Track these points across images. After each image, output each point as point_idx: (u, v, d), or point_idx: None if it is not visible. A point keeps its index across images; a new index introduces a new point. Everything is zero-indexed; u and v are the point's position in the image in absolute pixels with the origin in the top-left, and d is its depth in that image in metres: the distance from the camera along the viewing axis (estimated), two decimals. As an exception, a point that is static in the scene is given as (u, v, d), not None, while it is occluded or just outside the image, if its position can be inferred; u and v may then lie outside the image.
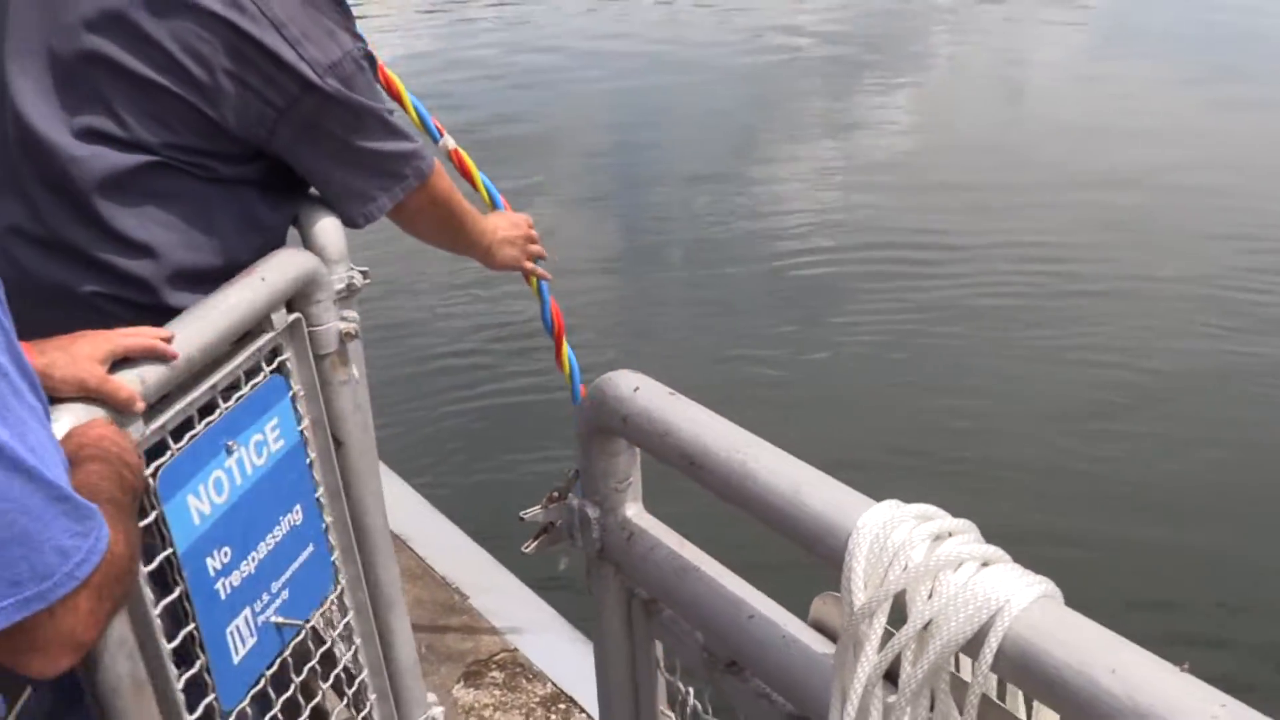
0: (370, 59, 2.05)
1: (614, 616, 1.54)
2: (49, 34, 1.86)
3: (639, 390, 1.38)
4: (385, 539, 2.31)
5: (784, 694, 1.28)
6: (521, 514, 1.52)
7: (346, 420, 2.14)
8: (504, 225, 2.56)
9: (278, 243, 2.09)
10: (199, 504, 1.74)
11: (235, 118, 1.89)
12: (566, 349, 2.82)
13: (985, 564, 1.03)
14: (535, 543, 1.54)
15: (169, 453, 1.67)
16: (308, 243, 2.15)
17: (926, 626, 1.01)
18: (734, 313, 7.67)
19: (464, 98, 14.23)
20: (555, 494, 1.52)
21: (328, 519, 2.13)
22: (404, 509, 4.04)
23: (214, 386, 1.78)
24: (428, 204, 2.20)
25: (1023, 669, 0.96)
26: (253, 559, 1.88)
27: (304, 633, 2.04)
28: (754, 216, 9.91)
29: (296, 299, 1.99)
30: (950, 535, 1.06)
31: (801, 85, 15.00)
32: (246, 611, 1.87)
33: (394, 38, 18.41)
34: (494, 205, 2.74)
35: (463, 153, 2.74)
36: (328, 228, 2.16)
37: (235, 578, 1.83)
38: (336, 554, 2.16)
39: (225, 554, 1.80)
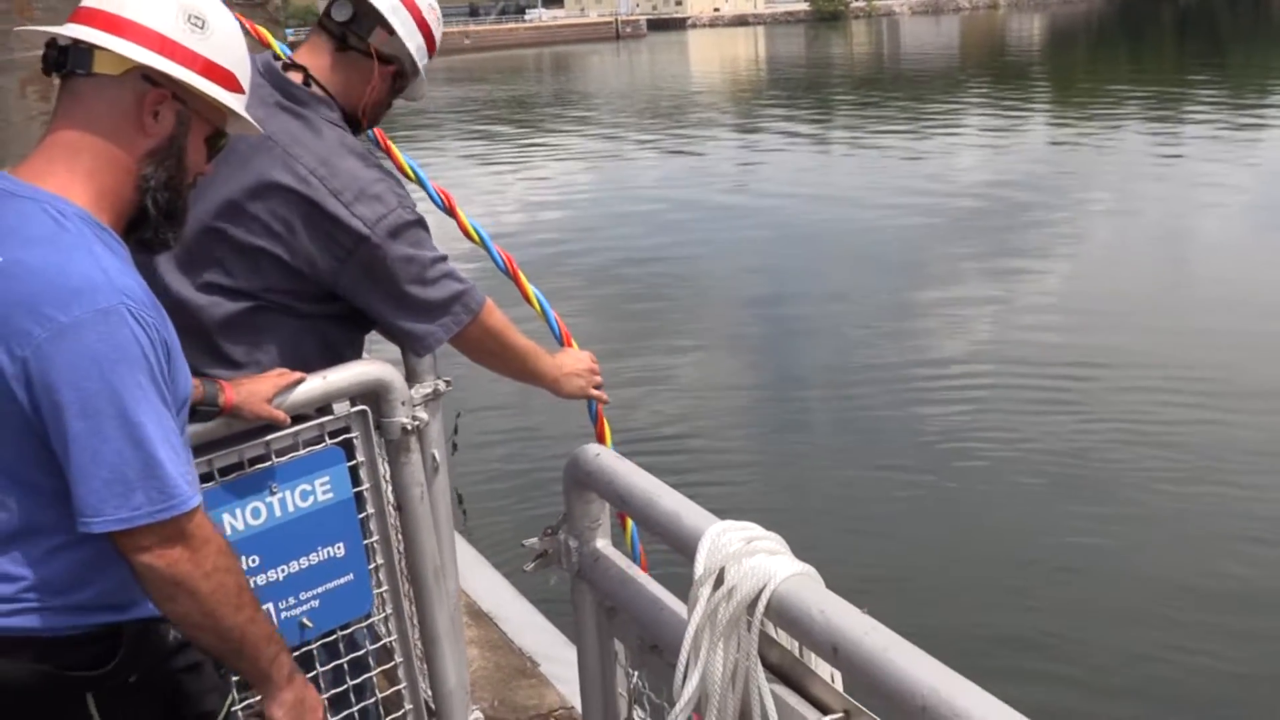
0: (418, 217, 2.74)
1: (588, 620, 2.18)
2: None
3: (599, 456, 2.04)
4: (435, 586, 2.97)
5: (673, 655, 1.89)
6: (523, 542, 2.18)
7: (406, 491, 2.85)
8: (569, 361, 3.11)
9: (350, 359, 2.83)
10: (233, 521, 2.56)
11: (310, 266, 2.66)
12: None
13: (772, 554, 1.66)
14: (534, 564, 2.19)
15: (212, 481, 2.50)
16: (405, 357, 2.90)
17: (731, 589, 1.63)
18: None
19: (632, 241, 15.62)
20: (549, 530, 2.18)
21: (379, 560, 2.83)
22: (494, 593, 4.73)
23: (268, 444, 2.58)
24: (482, 336, 2.86)
25: (777, 613, 1.58)
26: (282, 570, 2.65)
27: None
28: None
29: (366, 396, 2.74)
30: (758, 539, 1.69)
31: (963, 238, 15.88)
32: (269, 606, 2.60)
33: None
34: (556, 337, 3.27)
35: (529, 290, 3.24)
36: (420, 346, 2.92)
37: (261, 579, 2.60)
38: (384, 589, 2.84)
39: (254, 560, 2.58)
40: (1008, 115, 31.94)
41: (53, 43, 1.95)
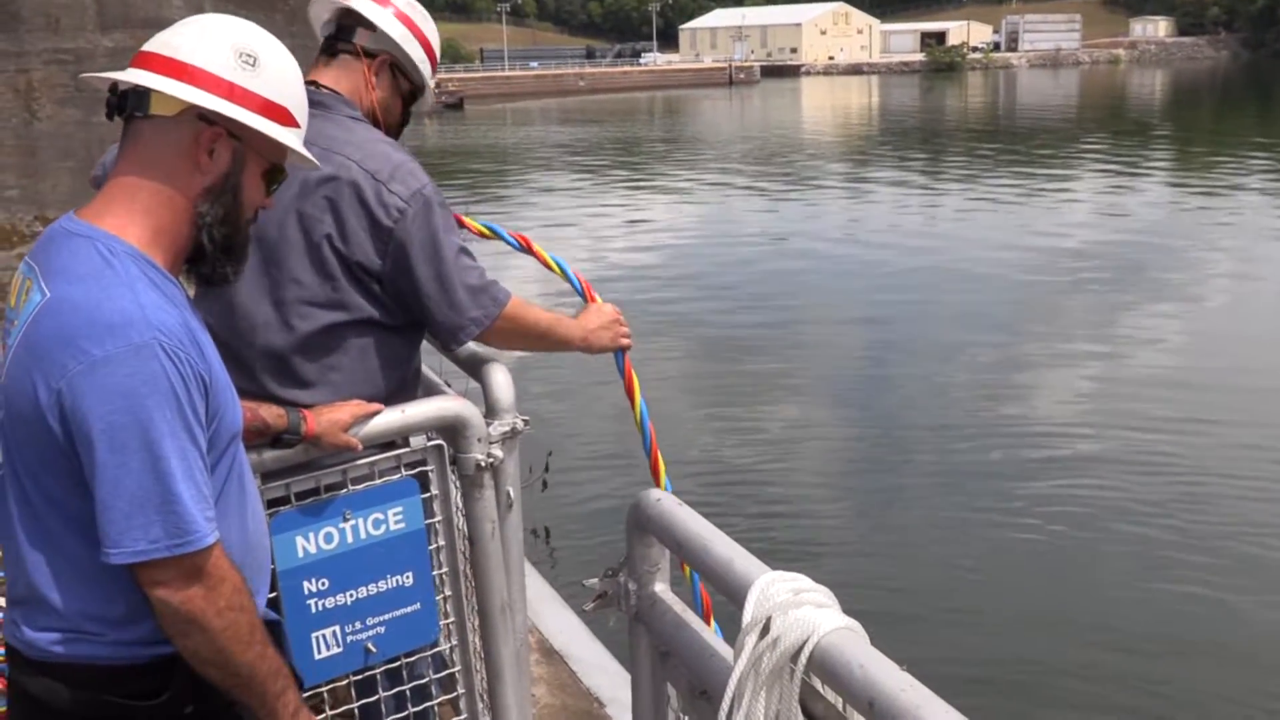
0: (446, 202, 2.88)
1: (643, 663, 2.20)
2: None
3: (660, 501, 2.07)
4: (501, 623, 3.00)
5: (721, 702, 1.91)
6: (584, 582, 2.21)
7: (479, 525, 2.90)
8: (594, 319, 3.22)
9: (411, 376, 2.97)
10: (306, 544, 2.64)
11: (361, 252, 2.78)
12: (662, 468, 3.18)
13: (819, 607, 1.66)
14: (593, 604, 2.21)
15: (287, 505, 2.59)
16: (485, 393, 2.96)
17: (776, 639, 1.65)
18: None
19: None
20: (609, 571, 2.21)
21: (447, 592, 2.88)
22: (567, 631, 4.76)
23: (344, 472, 2.68)
24: (509, 326, 2.97)
25: (819, 666, 1.59)
26: (350, 594, 2.73)
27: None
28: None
29: (443, 431, 2.80)
30: (806, 591, 1.70)
31: (1071, 297, 15.74)
32: (335, 628, 2.69)
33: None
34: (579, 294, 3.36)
35: (542, 253, 3.39)
36: (501, 384, 2.99)
37: (329, 601, 2.68)
38: (451, 620, 2.89)
39: (323, 583, 2.67)
40: (1126, 173, 31.40)
41: (114, 88, 2.03)
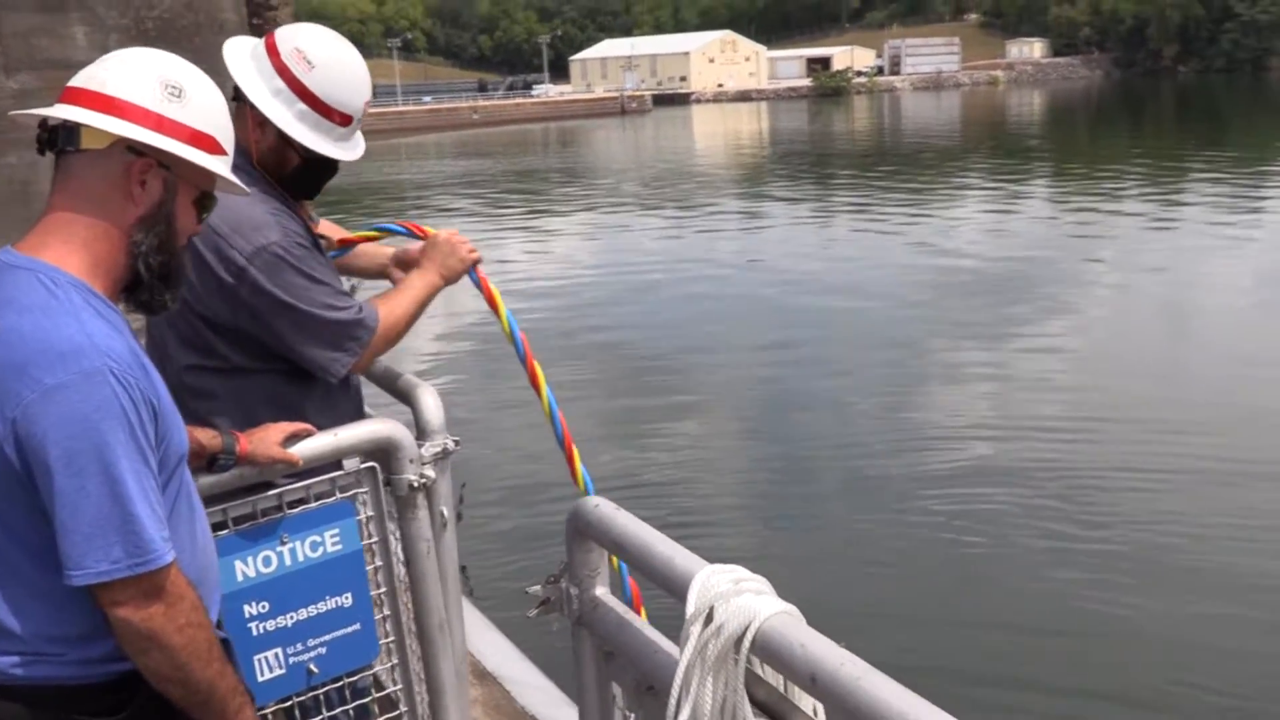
0: (302, 249, 2.87)
1: (589, 664, 2.30)
2: None
3: (598, 507, 2.17)
4: (439, 639, 3.06)
5: (668, 696, 2.01)
6: (526, 589, 2.30)
7: (414, 546, 2.97)
8: (437, 253, 3.21)
9: (315, 416, 2.93)
10: (245, 568, 2.70)
11: (211, 309, 2.81)
12: (579, 462, 3.16)
13: (758, 594, 1.78)
14: (537, 610, 2.30)
15: (225, 530, 2.65)
16: (415, 416, 3.04)
17: (719, 626, 1.75)
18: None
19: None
20: (551, 578, 2.30)
21: (385, 612, 2.95)
22: (498, 653, 4.82)
23: (280, 497, 2.73)
24: (388, 334, 3.02)
25: (762, 648, 1.70)
26: (290, 617, 2.78)
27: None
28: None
29: (375, 453, 2.87)
30: (745, 580, 1.81)
31: (962, 311, 16.20)
32: (277, 650, 2.75)
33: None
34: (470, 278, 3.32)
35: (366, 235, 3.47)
36: (429, 406, 3.06)
37: (270, 624, 2.74)
38: (390, 639, 2.96)
39: (263, 606, 2.72)
40: (1009, 190, 32.33)
41: (44, 123, 2.08)
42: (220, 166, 2.14)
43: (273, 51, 2.86)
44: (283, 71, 2.84)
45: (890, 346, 14.54)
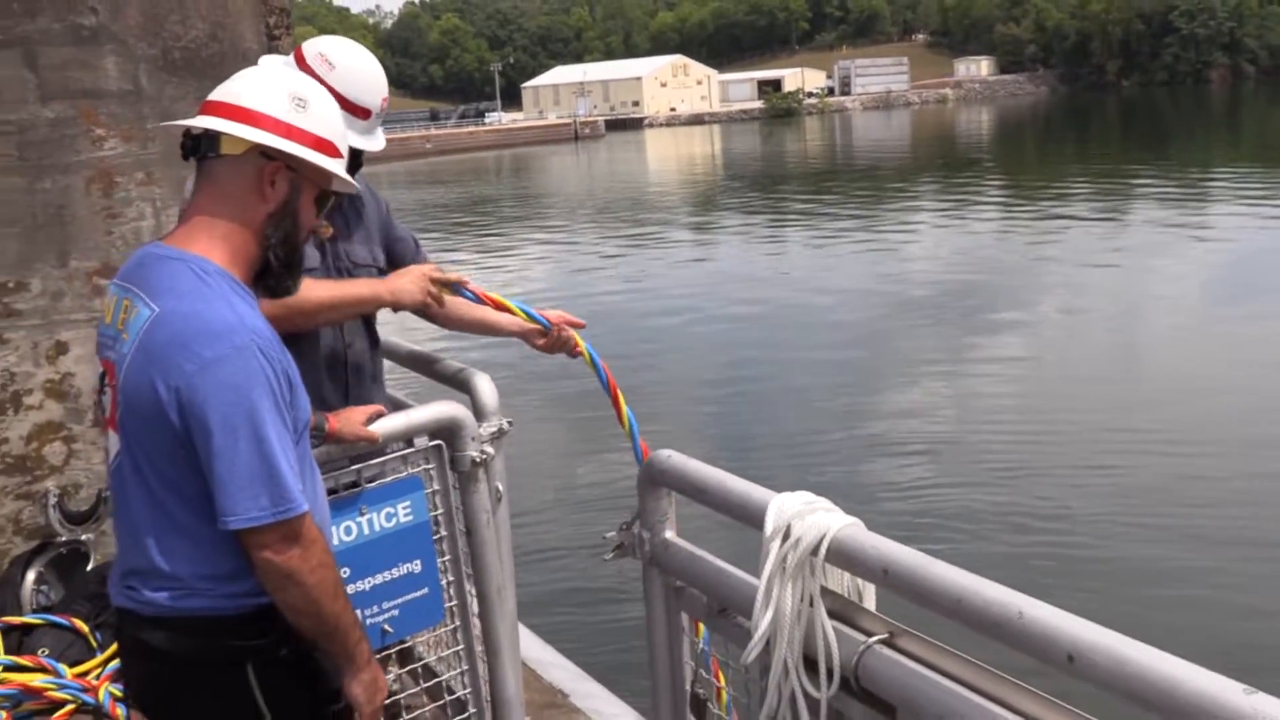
0: None
1: (658, 600, 2.60)
2: None
3: (670, 458, 2.49)
4: (497, 603, 3.37)
5: (744, 615, 2.32)
6: (605, 534, 2.60)
7: (475, 516, 3.27)
8: (397, 277, 3.32)
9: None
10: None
11: None
12: (626, 410, 3.53)
13: (829, 511, 2.10)
14: (613, 554, 2.61)
15: None
16: (473, 399, 3.35)
17: (797, 540, 2.07)
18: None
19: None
20: (624, 525, 2.61)
21: (449, 577, 3.24)
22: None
23: (359, 472, 3.05)
24: (286, 309, 2.92)
25: (837, 553, 2.02)
26: (368, 581, 3.09)
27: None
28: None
29: (441, 432, 3.17)
30: (814, 502, 2.13)
31: (914, 328, 16.66)
32: (358, 612, 3.01)
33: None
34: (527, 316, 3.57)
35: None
36: (485, 390, 3.37)
37: (350, 589, 2.97)
38: (453, 603, 3.25)
39: (345, 571, 2.96)
40: (959, 207, 32.95)
41: (188, 133, 2.38)
42: (338, 168, 2.45)
43: (300, 58, 3.28)
44: (308, 73, 3.19)
45: (845, 369, 14.86)
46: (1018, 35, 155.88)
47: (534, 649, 5.03)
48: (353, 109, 3.24)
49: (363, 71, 3.31)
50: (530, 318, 3.55)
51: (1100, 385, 12.88)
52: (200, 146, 2.36)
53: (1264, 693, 1.38)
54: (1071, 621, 1.61)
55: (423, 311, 3.41)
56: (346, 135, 2.54)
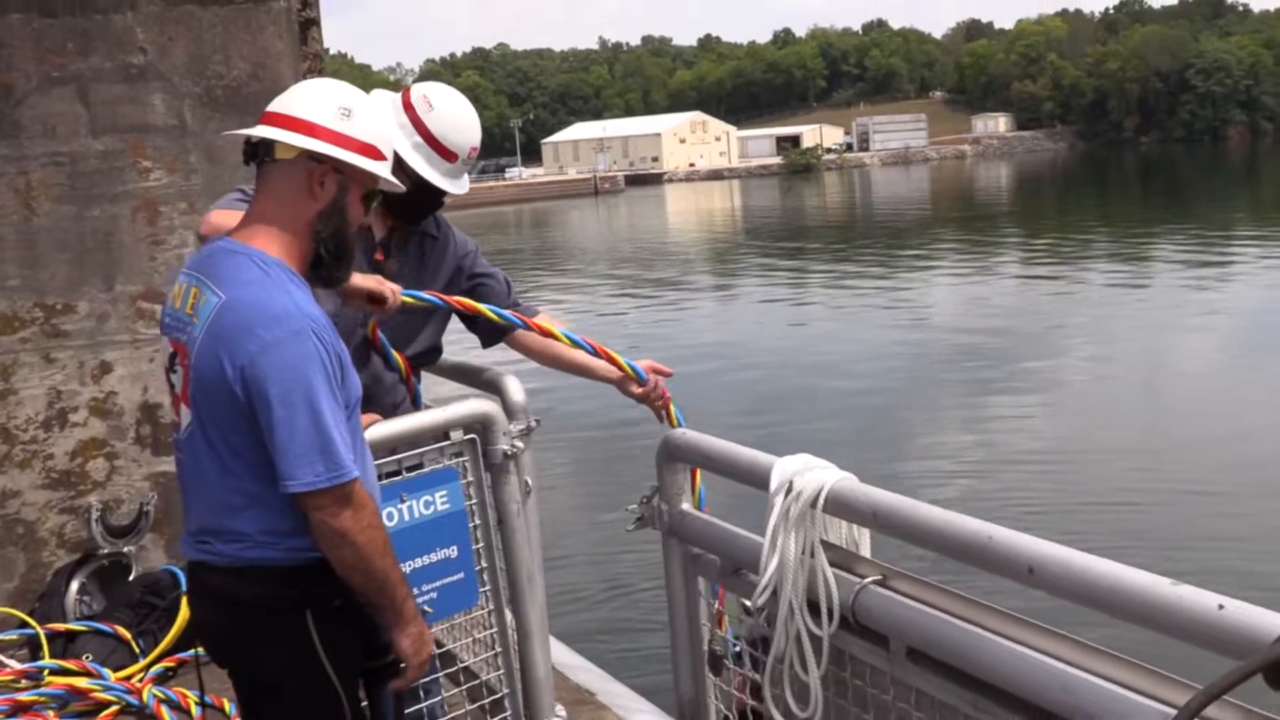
0: None
1: (676, 566, 2.86)
2: None
3: (684, 434, 2.76)
4: (528, 590, 3.61)
5: (754, 571, 2.56)
6: (628, 508, 2.87)
7: (506, 507, 3.53)
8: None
9: None
10: None
11: None
12: (699, 486, 3.52)
13: (825, 468, 2.36)
14: (634, 526, 2.87)
15: None
16: (502, 398, 3.62)
17: (799, 493, 2.33)
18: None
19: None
20: (644, 499, 2.87)
21: (483, 564, 3.50)
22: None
23: (400, 462, 3.30)
24: None
25: (833, 503, 2.28)
26: (408, 565, 3.27)
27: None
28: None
29: (475, 426, 3.44)
30: (813, 461, 2.39)
31: (938, 383, 16.88)
32: None
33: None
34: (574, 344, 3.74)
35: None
36: (514, 389, 3.65)
37: None
38: (487, 588, 3.51)
39: None
40: (980, 261, 33.11)
41: (248, 141, 2.67)
42: (382, 170, 2.73)
43: (406, 99, 3.54)
44: (409, 109, 3.49)
45: (863, 420, 14.93)
46: (1034, 92, 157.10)
47: (560, 654, 5.26)
48: (441, 150, 3.51)
49: (457, 118, 3.57)
50: (629, 368, 3.74)
51: (1122, 431, 13.02)
52: (258, 152, 2.64)
53: (1188, 584, 1.63)
54: (1030, 540, 1.87)
55: (523, 348, 3.73)
56: (393, 141, 2.83)
